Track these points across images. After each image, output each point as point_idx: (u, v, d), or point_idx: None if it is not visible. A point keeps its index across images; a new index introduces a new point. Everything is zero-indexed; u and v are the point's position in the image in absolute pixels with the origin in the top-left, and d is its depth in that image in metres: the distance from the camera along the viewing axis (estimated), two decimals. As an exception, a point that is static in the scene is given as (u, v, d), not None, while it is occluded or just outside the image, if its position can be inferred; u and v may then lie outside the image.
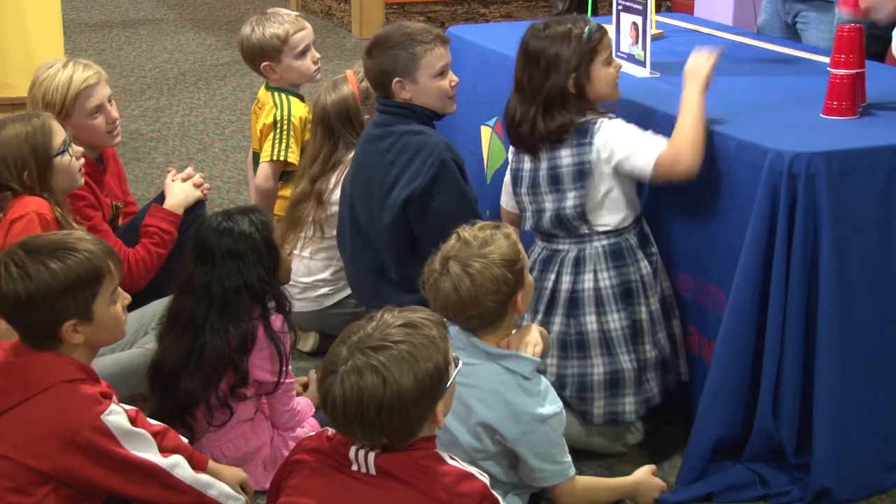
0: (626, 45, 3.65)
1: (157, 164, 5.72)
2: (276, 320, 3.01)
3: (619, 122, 3.13)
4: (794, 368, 2.94)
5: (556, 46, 3.11)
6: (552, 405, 2.67)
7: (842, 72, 3.11)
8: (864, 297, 2.94)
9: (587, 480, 2.83)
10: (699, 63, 3.13)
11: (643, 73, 3.58)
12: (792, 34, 4.25)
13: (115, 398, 2.54)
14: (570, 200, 3.12)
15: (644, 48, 3.57)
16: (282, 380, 3.02)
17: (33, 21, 5.38)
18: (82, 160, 3.28)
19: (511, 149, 3.30)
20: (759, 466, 3.04)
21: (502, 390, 2.64)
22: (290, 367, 3.04)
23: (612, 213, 3.14)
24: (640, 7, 3.53)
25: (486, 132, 4.07)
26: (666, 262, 3.24)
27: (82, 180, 3.30)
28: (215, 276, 2.93)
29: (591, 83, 3.13)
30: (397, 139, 3.35)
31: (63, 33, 5.59)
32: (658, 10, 4.79)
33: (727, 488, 3.01)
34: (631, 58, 3.64)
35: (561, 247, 3.18)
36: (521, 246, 2.71)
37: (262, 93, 4.17)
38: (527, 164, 3.20)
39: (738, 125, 3.09)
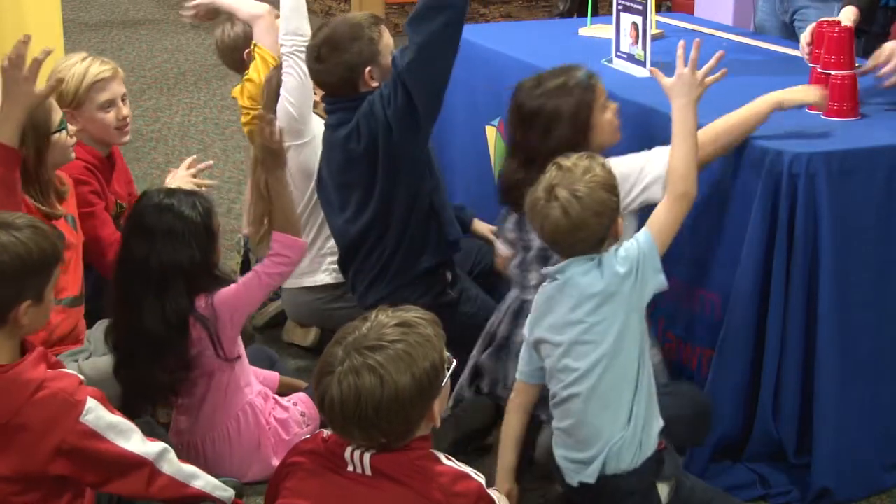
0: (626, 45, 3.65)
1: (157, 164, 5.71)
2: (200, 301, 2.96)
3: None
4: (794, 368, 2.94)
5: (555, 100, 2.97)
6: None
7: (842, 72, 3.12)
8: (864, 297, 2.94)
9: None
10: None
11: (643, 73, 3.57)
12: (789, 33, 4.23)
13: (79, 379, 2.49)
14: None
15: (644, 48, 3.57)
16: (226, 354, 2.96)
17: (33, 21, 5.37)
18: (74, 139, 3.28)
19: (511, 216, 3.11)
20: (759, 466, 3.04)
21: (608, 263, 2.64)
22: (235, 337, 3.00)
23: None
24: (640, 7, 3.53)
25: (491, 132, 4.08)
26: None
27: (73, 155, 3.29)
28: (153, 253, 2.89)
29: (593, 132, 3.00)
30: (356, 128, 3.28)
31: (63, 33, 5.59)
32: (658, 10, 4.79)
33: (727, 488, 3.00)
34: (631, 58, 3.63)
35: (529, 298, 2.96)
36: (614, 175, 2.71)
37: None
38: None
39: (738, 125, 3.08)
